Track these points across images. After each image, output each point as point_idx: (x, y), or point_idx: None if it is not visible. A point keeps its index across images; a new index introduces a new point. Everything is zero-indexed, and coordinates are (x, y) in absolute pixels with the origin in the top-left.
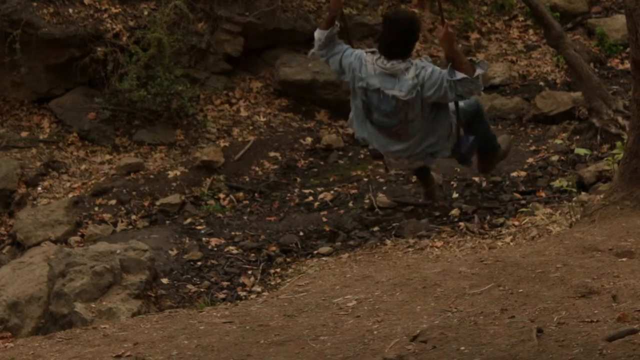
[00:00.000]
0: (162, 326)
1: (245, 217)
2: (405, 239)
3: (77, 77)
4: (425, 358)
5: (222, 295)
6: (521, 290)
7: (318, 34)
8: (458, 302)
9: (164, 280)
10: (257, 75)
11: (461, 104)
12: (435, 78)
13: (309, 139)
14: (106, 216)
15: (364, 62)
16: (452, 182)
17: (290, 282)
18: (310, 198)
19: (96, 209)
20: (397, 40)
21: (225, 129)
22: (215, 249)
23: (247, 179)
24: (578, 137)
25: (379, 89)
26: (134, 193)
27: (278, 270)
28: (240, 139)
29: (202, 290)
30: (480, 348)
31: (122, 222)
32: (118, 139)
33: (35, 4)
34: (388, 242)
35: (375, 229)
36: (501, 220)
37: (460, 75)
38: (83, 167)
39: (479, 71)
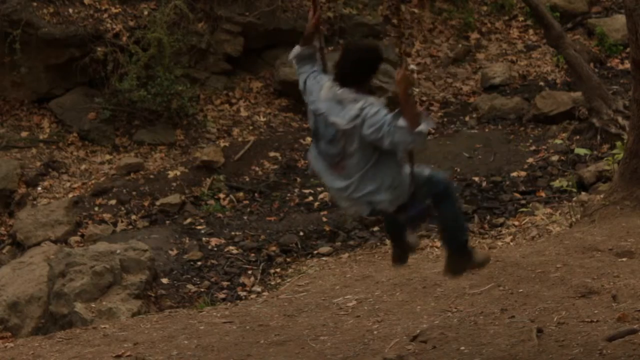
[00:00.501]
0: (162, 326)
1: (245, 217)
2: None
3: (77, 77)
4: (425, 358)
5: (222, 295)
6: (521, 290)
7: (295, 49)
8: (458, 302)
9: (164, 280)
10: (257, 75)
11: (428, 171)
12: (378, 119)
13: (309, 139)
14: (106, 216)
15: (321, 86)
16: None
17: (290, 282)
18: (310, 198)
19: (96, 209)
20: (350, 70)
21: (225, 129)
22: (215, 249)
23: (247, 179)
24: (578, 137)
25: (323, 114)
26: (134, 193)
27: (278, 270)
28: (240, 139)
29: (202, 290)
30: (480, 348)
31: (122, 222)
32: (118, 139)
33: (35, 4)
34: (388, 242)
35: (375, 229)
36: (501, 220)
37: (402, 123)
38: (83, 167)
39: (422, 127)
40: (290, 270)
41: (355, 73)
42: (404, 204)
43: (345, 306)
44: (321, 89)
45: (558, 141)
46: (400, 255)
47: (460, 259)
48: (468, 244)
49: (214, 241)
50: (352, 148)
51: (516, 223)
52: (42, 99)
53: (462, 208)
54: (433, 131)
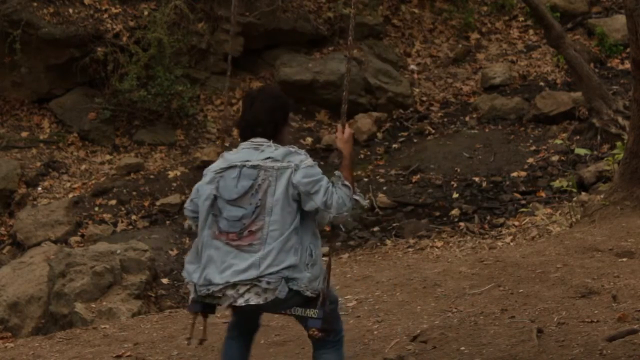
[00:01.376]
0: (162, 326)
1: None
2: (405, 239)
3: (77, 77)
4: (425, 358)
5: None
6: (521, 291)
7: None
8: (458, 302)
9: (164, 281)
10: (257, 75)
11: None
12: (316, 172)
13: (309, 139)
14: (106, 216)
15: (220, 161)
16: (452, 182)
17: None
18: None
19: (96, 209)
20: (265, 118)
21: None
22: None
23: None
24: (578, 137)
25: (234, 167)
26: (134, 193)
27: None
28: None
29: None
30: (480, 348)
31: (122, 222)
32: (118, 139)
33: (35, 4)
34: (388, 242)
35: (376, 229)
36: (501, 220)
37: (346, 183)
38: (83, 167)
39: (358, 196)
40: None
41: (270, 126)
42: (317, 294)
43: (346, 306)
44: (225, 154)
45: (558, 141)
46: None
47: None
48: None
49: None
50: (274, 199)
51: (516, 223)
52: (42, 99)
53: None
54: (433, 131)
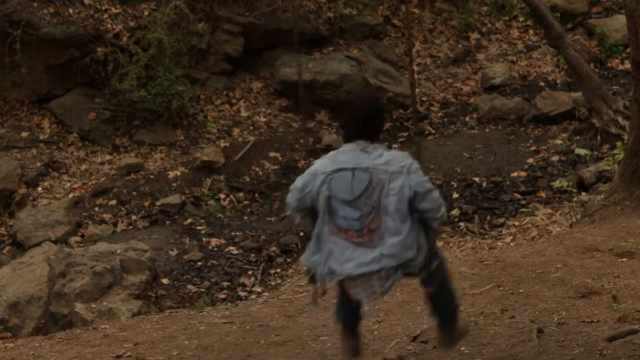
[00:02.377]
0: (163, 326)
1: (245, 218)
2: None
3: (78, 77)
4: (425, 358)
5: (222, 296)
6: (521, 291)
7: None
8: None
9: (164, 281)
10: (258, 76)
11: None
12: (422, 174)
13: (310, 139)
14: (106, 216)
15: (329, 160)
16: (452, 182)
17: (291, 282)
18: None
19: (96, 209)
20: (361, 126)
21: (226, 129)
22: (216, 249)
23: (247, 179)
24: (578, 137)
25: (345, 169)
26: (134, 193)
27: (278, 270)
28: (240, 139)
29: (202, 290)
30: (480, 348)
31: (122, 222)
32: (118, 139)
33: (35, 4)
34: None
35: None
36: (501, 220)
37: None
38: (83, 167)
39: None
40: (290, 270)
41: (372, 128)
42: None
43: None
44: (332, 155)
45: (558, 141)
46: (355, 346)
47: (451, 329)
48: (456, 313)
49: (214, 241)
50: (388, 200)
51: (516, 223)
52: (42, 99)
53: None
54: (433, 132)
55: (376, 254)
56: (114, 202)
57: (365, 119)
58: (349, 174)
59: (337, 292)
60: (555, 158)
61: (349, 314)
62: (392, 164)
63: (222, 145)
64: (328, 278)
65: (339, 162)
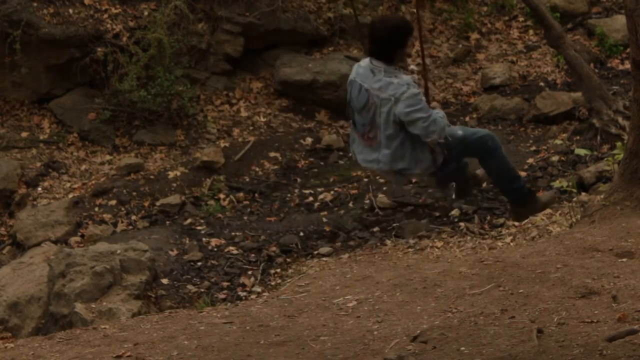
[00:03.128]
0: (162, 326)
1: (245, 218)
2: (405, 239)
3: (77, 77)
4: (425, 358)
5: (222, 296)
6: (521, 291)
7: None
8: (458, 302)
9: (164, 281)
10: (258, 76)
11: (461, 132)
12: (416, 100)
13: (309, 139)
14: (106, 216)
15: (358, 65)
16: (452, 183)
17: (291, 282)
18: (311, 198)
19: (96, 209)
20: (380, 46)
21: (226, 129)
22: (216, 249)
23: (247, 179)
24: (578, 137)
25: (355, 81)
26: (134, 193)
27: (278, 270)
28: (240, 139)
29: (202, 290)
30: (480, 348)
31: (122, 222)
32: (118, 140)
33: (35, 4)
34: (388, 242)
35: (376, 229)
36: (501, 220)
37: (441, 113)
38: (83, 167)
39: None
40: (290, 270)
41: (386, 48)
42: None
43: (346, 307)
44: (356, 65)
45: (558, 141)
46: (462, 189)
47: (521, 207)
48: (524, 190)
49: (214, 241)
50: (380, 119)
51: (516, 223)
52: (42, 99)
53: (507, 159)
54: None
55: (375, 156)
56: (114, 202)
57: (383, 41)
58: (358, 86)
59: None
60: (555, 158)
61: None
62: (384, 91)
63: (222, 145)
64: (355, 163)
65: (356, 75)
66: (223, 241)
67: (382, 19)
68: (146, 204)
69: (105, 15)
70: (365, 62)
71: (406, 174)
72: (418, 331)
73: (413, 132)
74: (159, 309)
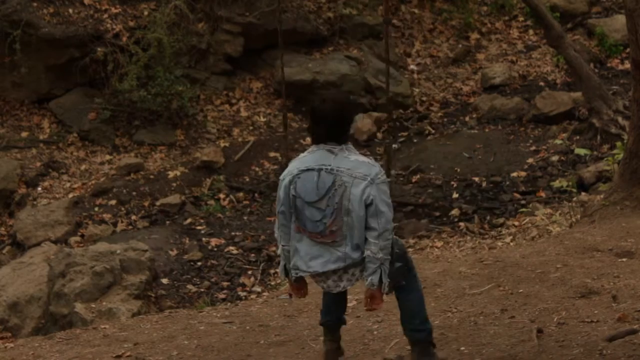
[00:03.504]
0: (162, 326)
1: (245, 218)
2: (405, 239)
3: (77, 77)
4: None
5: (222, 296)
6: (521, 291)
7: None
8: (458, 302)
9: (164, 281)
10: (257, 76)
11: (403, 243)
12: (387, 189)
13: (308, 139)
14: (106, 216)
15: (298, 161)
16: (452, 182)
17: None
18: None
19: (96, 209)
20: (331, 127)
21: (225, 129)
22: (215, 249)
23: (247, 179)
24: (578, 137)
25: (311, 169)
26: (134, 193)
27: (278, 270)
28: (240, 139)
29: (202, 290)
30: (480, 348)
31: (122, 222)
32: (118, 139)
33: (35, 4)
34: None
35: None
36: (501, 220)
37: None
38: (83, 167)
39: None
40: None
41: (341, 128)
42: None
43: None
44: (302, 156)
45: (558, 141)
46: (334, 351)
47: (419, 355)
48: (430, 337)
49: (214, 241)
50: (349, 203)
51: (516, 223)
52: (42, 99)
53: (420, 288)
54: (433, 131)
55: (340, 253)
56: (113, 202)
57: (334, 122)
58: (314, 174)
59: (323, 296)
60: (555, 158)
61: (332, 319)
62: (356, 169)
63: (222, 145)
64: (293, 273)
65: (306, 163)
66: (223, 241)
67: (325, 101)
68: (146, 203)
69: (105, 15)
70: (315, 148)
71: (350, 272)
72: None
73: (369, 225)
74: (159, 308)
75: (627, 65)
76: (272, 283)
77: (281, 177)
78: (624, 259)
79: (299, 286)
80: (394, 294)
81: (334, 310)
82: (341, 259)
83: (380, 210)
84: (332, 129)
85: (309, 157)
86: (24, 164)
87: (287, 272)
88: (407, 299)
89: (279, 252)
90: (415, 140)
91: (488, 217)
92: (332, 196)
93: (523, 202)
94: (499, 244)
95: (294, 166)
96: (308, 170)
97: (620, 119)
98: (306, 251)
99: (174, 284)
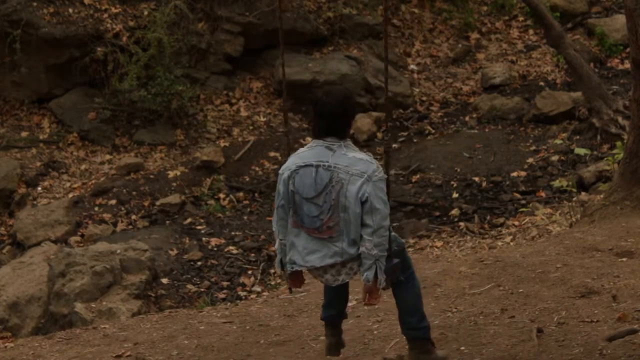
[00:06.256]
0: (162, 326)
1: (245, 217)
2: (405, 239)
3: (77, 77)
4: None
5: (222, 295)
6: (521, 290)
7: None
8: (458, 302)
9: (164, 280)
10: (257, 75)
11: (402, 241)
12: (384, 186)
13: (308, 139)
14: (106, 216)
15: (298, 156)
16: (452, 182)
17: None
18: None
19: (96, 209)
20: (332, 122)
21: (226, 129)
22: (215, 249)
23: (247, 179)
24: (578, 137)
25: (309, 165)
26: (134, 193)
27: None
28: (240, 139)
29: (202, 290)
30: (480, 348)
31: (122, 222)
32: (118, 139)
33: (35, 4)
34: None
35: None
36: (501, 220)
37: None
38: (83, 167)
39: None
40: None
41: (343, 123)
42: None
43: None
44: (301, 152)
45: (558, 141)
46: (336, 344)
47: (417, 353)
48: (428, 335)
49: (214, 241)
50: (346, 199)
51: (516, 223)
52: (42, 99)
53: (419, 287)
54: (433, 131)
55: (337, 248)
56: (113, 202)
57: (337, 115)
58: (312, 170)
59: (325, 290)
60: (555, 158)
61: (334, 313)
62: (354, 166)
63: (222, 145)
64: (289, 267)
65: (305, 158)
66: (223, 241)
67: (328, 94)
68: (146, 203)
69: (105, 15)
70: (314, 143)
71: (348, 266)
72: None
73: (364, 221)
74: (159, 308)
75: (627, 65)
76: (272, 283)
77: (280, 172)
78: (624, 259)
79: (295, 278)
80: (392, 292)
81: (336, 303)
82: (338, 254)
83: (376, 207)
84: (334, 122)
85: (308, 153)
86: (24, 163)
87: (283, 266)
88: (404, 296)
89: (276, 246)
90: (415, 140)
91: (488, 217)
92: (329, 192)
93: (523, 202)
94: (499, 243)
95: (292, 162)
96: (306, 166)
97: (620, 119)
98: (304, 246)
99: (174, 284)
